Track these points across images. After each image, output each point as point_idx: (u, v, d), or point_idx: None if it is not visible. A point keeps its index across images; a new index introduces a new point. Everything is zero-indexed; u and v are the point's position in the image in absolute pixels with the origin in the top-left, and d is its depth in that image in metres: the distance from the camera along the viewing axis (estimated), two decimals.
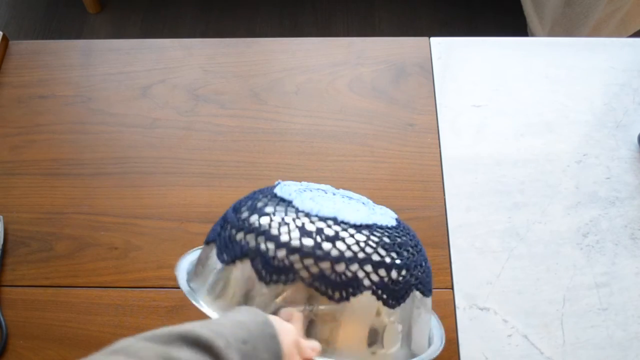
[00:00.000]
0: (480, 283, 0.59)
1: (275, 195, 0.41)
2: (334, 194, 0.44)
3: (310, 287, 0.36)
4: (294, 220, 0.38)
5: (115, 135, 0.69)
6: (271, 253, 0.37)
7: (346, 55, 0.74)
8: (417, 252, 0.41)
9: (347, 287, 0.36)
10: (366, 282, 0.37)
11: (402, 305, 0.38)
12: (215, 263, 0.40)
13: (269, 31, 1.66)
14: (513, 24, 1.64)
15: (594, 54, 0.74)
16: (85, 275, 0.60)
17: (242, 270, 0.38)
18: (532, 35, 1.47)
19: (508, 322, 0.57)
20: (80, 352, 0.56)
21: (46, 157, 0.67)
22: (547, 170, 0.66)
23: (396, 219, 0.43)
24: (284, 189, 0.42)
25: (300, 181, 0.65)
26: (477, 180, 0.65)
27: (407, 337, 0.39)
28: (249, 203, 0.41)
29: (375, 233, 0.39)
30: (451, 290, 0.59)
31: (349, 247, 0.37)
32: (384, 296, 0.37)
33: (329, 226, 0.38)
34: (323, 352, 0.36)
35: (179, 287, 0.41)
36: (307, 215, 0.39)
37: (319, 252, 0.36)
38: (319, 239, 0.37)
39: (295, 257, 0.36)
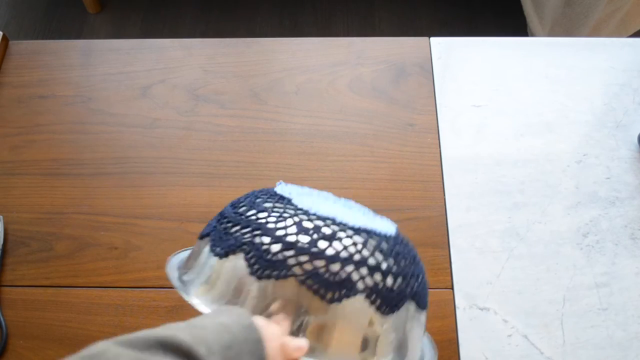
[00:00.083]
0: (480, 283, 0.59)
1: (275, 193, 0.41)
2: (335, 201, 0.44)
3: (303, 284, 0.35)
4: (291, 216, 0.37)
5: (115, 135, 0.69)
6: (265, 247, 0.36)
7: (346, 55, 0.74)
8: (414, 264, 0.40)
9: (340, 288, 0.35)
10: (360, 285, 0.36)
11: (396, 313, 0.37)
12: (208, 256, 0.39)
13: (269, 31, 1.66)
14: (513, 24, 1.64)
15: (594, 54, 0.74)
16: (85, 275, 0.60)
17: (235, 263, 0.37)
18: (532, 35, 1.47)
19: (508, 322, 0.57)
20: None
21: (46, 157, 0.67)
22: (547, 170, 0.66)
23: (396, 230, 0.42)
24: (284, 189, 0.42)
25: (300, 181, 0.65)
26: (477, 180, 0.65)
27: (400, 350, 0.38)
28: (248, 199, 0.41)
29: (373, 238, 0.38)
30: (451, 290, 0.59)
31: (345, 248, 0.36)
32: (378, 301, 0.36)
33: (327, 225, 0.37)
34: (312, 353, 0.35)
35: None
36: (306, 213, 0.38)
37: (314, 250, 0.35)
38: (315, 236, 0.36)
39: (289, 253, 0.35)
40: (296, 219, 0.37)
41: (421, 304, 0.40)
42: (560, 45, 0.75)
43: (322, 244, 0.36)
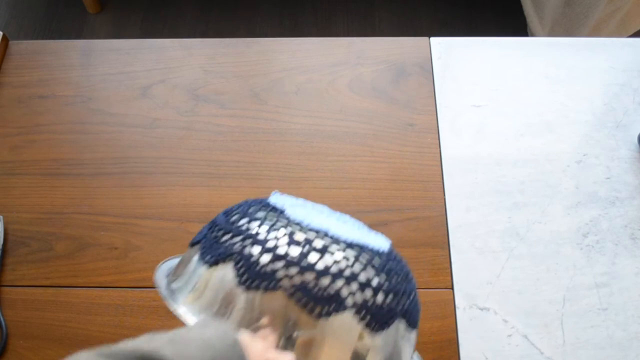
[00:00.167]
0: (480, 283, 0.59)
1: (268, 204, 0.40)
2: (329, 214, 0.43)
3: (291, 298, 0.34)
4: (283, 227, 0.37)
5: (115, 135, 0.69)
6: (255, 257, 0.35)
7: (346, 55, 0.74)
8: (407, 281, 0.39)
9: (329, 303, 0.34)
10: (350, 301, 0.35)
11: (385, 331, 0.36)
12: (197, 264, 0.38)
13: (269, 31, 1.66)
14: (513, 24, 1.64)
15: (594, 54, 0.74)
16: (85, 275, 0.60)
17: (224, 272, 0.36)
18: (532, 35, 1.47)
19: (508, 322, 0.57)
20: None
21: (46, 157, 0.67)
22: (547, 170, 0.66)
23: (390, 246, 0.41)
24: (278, 199, 0.41)
25: (300, 181, 0.65)
26: (477, 180, 0.65)
27: None
28: (241, 208, 0.40)
29: (366, 253, 0.37)
30: (451, 290, 0.59)
31: (336, 262, 0.35)
32: (367, 318, 0.35)
33: (319, 238, 0.36)
34: None
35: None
36: (298, 224, 0.37)
37: (304, 263, 0.35)
38: (306, 249, 0.35)
39: (279, 265, 0.35)
40: (288, 230, 0.36)
41: (412, 323, 0.39)
42: (560, 45, 0.75)
43: (312, 257, 0.35)
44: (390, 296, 0.37)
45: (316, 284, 0.34)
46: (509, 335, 0.57)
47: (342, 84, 0.72)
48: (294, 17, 1.69)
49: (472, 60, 0.74)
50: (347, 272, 0.35)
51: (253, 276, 0.35)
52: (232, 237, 0.37)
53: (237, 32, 1.65)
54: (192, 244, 0.41)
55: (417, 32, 1.64)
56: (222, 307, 0.35)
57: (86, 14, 1.70)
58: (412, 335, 0.40)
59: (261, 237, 0.36)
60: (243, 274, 0.35)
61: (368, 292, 0.35)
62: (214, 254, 0.37)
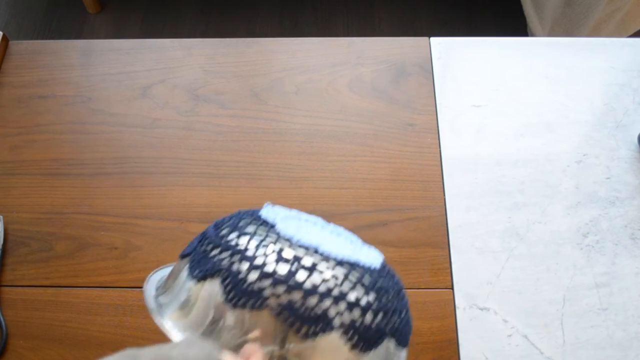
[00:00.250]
0: (480, 283, 0.59)
1: (259, 217, 0.40)
2: (322, 227, 0.42)
3: (277, 317, 0.33)
4: (273, 243, 0.36)
5: (115, 135, 0.69)
6: (242, 275, 0.34)
7: (346, 55, 0.75)
8: (398, 299, 0.38)
9: (315, 323, 0.34)
10: (337, 321, 0.34)
11: (373, 351, 0.36)
12: (186, 278, 0.38)
13: (269, 31, 1.66)
14: (513, 24, 1.65)
15: (594, 54, 0.74)
16: (85, 275, 0.60)
17: (211, 288, 0.35)
18: (532, 35, 1.47)
19: (508, 322, 0.57)
20: (80, 352, 0.56)
21: (46, 157, 0.67)
22: (547, 170, 0.66)
23: (382, 262, 0.40)
24: (270, 212, 0.41)
25: (300, 181, 0.65)
26: (477, 180, 0.65)
27: None
28: (232, 221, 0.40)
29: (355, 271, 0.36)
30: (451, 290, 0.59)
31: (324, 281, 0.35)
32: (354, 339, 0.35)
33: (308, 256, 0.36)
34: None
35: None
36: (288, 241, 0.36)
37: (292, 281, 0.34)
38: (294, 267, 0.35)
39: (266, 283, 0.34)
40: (277, 247, 0.36)
41: (402, 342, 0.39)
42: (560, 45, 0.75)
43: (300, 276, 0.34)
44: (380, 315, 0.36)
45: (303, 304, 0.34)
46: (509, 335, 0.57)
47: (342, 84, 0.72)
48: (294, 17, 1.69)
49: (472, 60, 0.74)
50: (335, 292, 0.35)
51: (240, 294, 0.34)
52: (220, 252, 0.36)
53: (237, 32, 1.65)
54: (182, 256, 0.41)
55: (417, 32, 1.64)
56: (209, 325, 0.35)
57: (86, 14, 1.70)
58: (403, 354, 0.39)
59: (249, 253, 0.35)
60: (230, 291, 0.34)
61: (356, 312, 0.35)
62: (202, 269, 0.37)
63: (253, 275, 0.34)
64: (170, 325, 0.36)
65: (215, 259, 0.36)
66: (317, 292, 0.34)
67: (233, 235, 0.37)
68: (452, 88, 0.72)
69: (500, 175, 0.66)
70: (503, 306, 0.58)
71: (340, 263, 0.36)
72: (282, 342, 0.34)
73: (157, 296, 0.40)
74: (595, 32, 1.31)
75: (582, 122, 0.69)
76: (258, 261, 0.35)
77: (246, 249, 0.36)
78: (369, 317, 0.35)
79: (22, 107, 0.71)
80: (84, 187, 0.65)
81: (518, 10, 1.57)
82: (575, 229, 0.62)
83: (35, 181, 0.66)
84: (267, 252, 0.35)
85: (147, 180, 0.66)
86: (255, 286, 0.34)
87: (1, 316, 0.58)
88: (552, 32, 1.36)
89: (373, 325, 0.36)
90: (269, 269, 0.34)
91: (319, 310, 0.34)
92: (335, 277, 0.35)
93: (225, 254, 0.36)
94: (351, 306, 0.35)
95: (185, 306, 0.37)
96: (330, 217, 0.63)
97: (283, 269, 0.34)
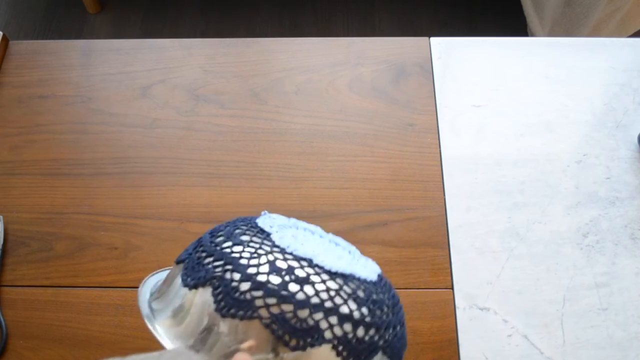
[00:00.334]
0: (480, 283, 0.59)
1: (256, 225, 0.39)
2: (320, 237, 0.42)
3: (267, 328, 0.33)
4: (267, 254, 0.36)
5: (115, 135, 0.69)
6: (234, 284, 0.34)
7: (346, 55, 0.75)
8: (393, 313, 0.38)
9: (305, 336, 0.33)
10: (328, 335, 0.34)
11: None
12: (179, 285, 0.37)
13: (269, 31, 1.66)
14: (513, 24, 1.65)
15: (594, 54, 0.74)
16: (85, 275, 0.60)
17: (203, 297, 0.35)
18: (532, 35, 1.47)
19: (508, 322, 0.57)
20: (80, 352, 0.56)
21: (46, 157, 0.67)
22: (547, 170, 0.66)
23: (378, 275, 0.40)
24: (266, 220, 0.40)
25: (300, 181, 0.65)
26: (477, 180, 0.65)
27: None
28: (227, 229, 0.39)
29: (350, 284, 0.36)
30: (451, 290, 0.59)
31: (317, 293, 0.34)
32: (345, 353, 0.34)
33: (302, 267, 0.35)
34: None
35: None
36: (282, 251, 0.36)
37: (284, 292, 0.34)
38: (287, 278, 0.34)
39: (257, 293, 0.33)
40: (270, 257, 0.35)
41: (394, 357, 0.38)
42: (560, 45, 0.75)
43: (293, 287, 0.34)
44: (372, 330, 0.36)
45: (294, 315, 0.33)
46: (509, 335, 0.57)
47: (342, 84, 0.72)
48: (294, 17, 1.69)
49: (472, 60, 0.74)
50: (327, 304, 0.34)
51: (230, 303, 0.34)
52: (214, 261, 0.36)
53: (237, 32, 1.65)
54: (178, 262, 0.41)
55: (417, 32, 1.64)
56: (201, 334, 0.35)
57: (86, 14, 1.70)
58: None
59: (243, 262, 0.35)
60: (221, 300, 0.34)
61: (348, 326, 0.34)
62: (195, 277, 0.36)
63: (245, 285, 0.34)
64: (162, 332, 0.35)
65: (209, 267, 0.36)
66: (309, 304, 0.34)
67: (227, 244, 0.37)
68: (452, 88, 0.72)
69: (500, 175, 0.66)
70: (503, 306, 0.58)
71: (334, 275, 0.36)
72: (275, 352, 0.33)
73: (150, 301, 0.39)
74: (595, 32, 1.31)
75: (582, 122, 0.69)
76: (251, 271, 0.35)
77: (239, 258, 0.36)
78: (360, 331, 0.35)
79: (22, 107, 0.71)
80: (84, 187, 0.65)
81: (518, 10, 1.57)
82: (575, 229, 0.62)
83: (35, 181, 0.66)
84: (261, 262, 0.35)
85: (147, 180, 0.66)
86: (247, 296, 0.34)
87: (1, 316, 0.58)
88: (552, 32, 1.36)
89: (366, 339, 0.35)
90: (261, 279, 0.34)
91: (310, 323, 0.33)
92: (328, 289, 0.35)
93: (219, 263, 0.36)
94: (343, 319, 0.34)
95: (178, 313, 0.36)
96: (330, 217, 0.63)
97: (276, 280, 0.34)
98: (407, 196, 0.64)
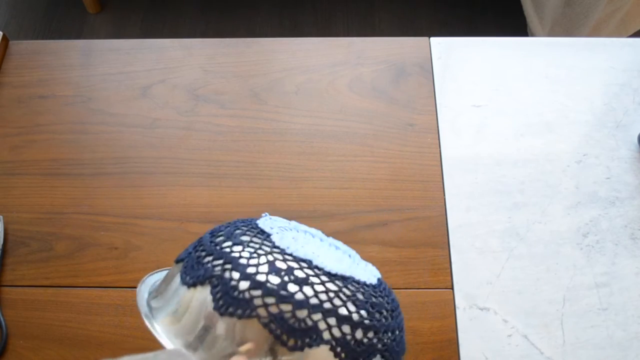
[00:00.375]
0: (480, 283, 0.59)
1: (256, 226, 0.39)
2: (321, 240, 0.42)
3: (265, 327, 0.33)
4: (266, 254, 0.36)
5: (115, 135, 0.69)
6: (233, 283, 0.34)
7: (346, 55, 0.75)
8: (392, 317, 0.38)
9: (304, 336, 0.33)
10: (326, 336, 0.34)
11: None
12: (178, 284, 0.37)
13: (269, 31, 1.66)
14: (513, 24, 1.65)
15: (594, 54, 0.74)
16: (85, 275, 0.60)
17: (202, 295, 0.35)
18: (532, 35, 1.47)
19: (508, 322, 0.57)
20: (80, 352, 0.56)
21: (46, 157, 0.67)
22: (547, 170, 0.66)
23: (378, 279, 0.40)
24: (267, 222, 0.40)
25: (300, 181, 0.65)
26: (477, 180, 0.65)
27: None
28: (228, 229, 0.39)
29: (349, 286, 0.36)
30: (451, 290, 0.59)
31: (316, 294, 0.34)
32: (343, 355, 0.34)
33: (301, 268, 0.35)
34: None
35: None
36: (282, 252, 0.36)
37: (282, 292, 0.34)
38: (286, 278, 0.34)
39: (256, 293, 0.33)
40: (270, 257, 0.36)
41: None
42: (560, 45, 0.75)
43: (292, 288, 0.34)
44: (371, 333, 0.35)
45: (293, 315, 0.33)
46: (509, 335, 0.57)
47: (342, 84, 0.72)
48: (294, 17, 1.69)
49: (472, 60, 0.74)
50: (326, 305, 0.34)
51: (229, 302, 0.34)
52: (213, 260, 0.36)
53: (237, 32, 1.65)
54: (177, 261, 0.41)
55: (417, 32, 1.64)
56: (200, 332, 0.34)
57: (86, 14, 1.70)
58: None
59: (242, 262, 0.35)
60: (220, 298, 0.34)
61: (346, 328, 0.34)
62: (194, 276, 0.36)
63: (244, 284, 0.34)
64: (161, 330, 0.35)
65: (208, 265, 0.36)
66: (308, 304, 0.34)
67: (227, 244, 0.37)
68: (452, 88, 0.72)
69: (500, 175, 0.66)
70: (503, 306, 0.58)
71: (334, 277, 0.36)
72: (273, 355, 0.33)
73: (149, 300, 0.39)
74: (595, 32, 1.31)
75: (582, 122, 0.69)
76: (250, 270, 0.35)
77: (239, 258, 0.36)
78: (359, 333, 0.35)
79: (22, 107, 0.71)
80: (84, 187, 0.65)
81: (518, 10, 1.57)
82: (575, 229, 0.62)
83: (35, 181, 0.66)
84: (260, 262, 0.35)
85: (147, 180, 0.66)
86: (246, 295, 0.34)
87: (1, 316, 0.58)
88: (552, 32, 1.36)
89: (364, 342, 0.35)
90: (260, 278, 0.34)
91: (308, 323, 0.33)
92: (327, 291, 0.35)
93: (218, 262, 0.36)
94: (342, 321, 0.34)
95: (177, 312, 0.36)
96: (330, 217, 0.63)
97: (275, 280, 0.34)
98: (407, 196, 0.64)
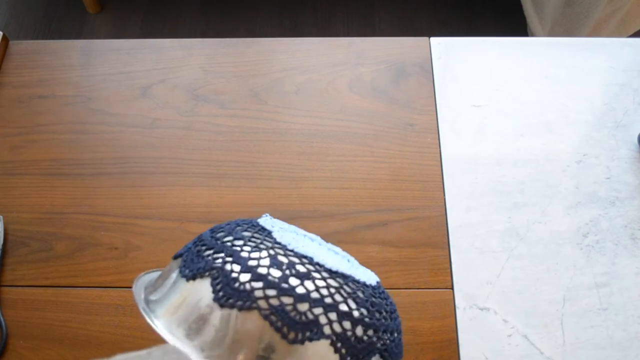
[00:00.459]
0: (480, 283, 0.59)
1: (257, 224, 0.40)
2: (319, 244, 0.42)
3: (266, 319, 0.33)
4: (267, 249, 0.36)
5: (115, 135, 0.69)
6: (234, 275, 0.34)
7: (346, 55, 0.75)
8: (391, 319, 0.38)
9: (304, 330, 0.33)
10: (327, 330, 0.34)
11: None
12: (176, 277, 0.37)
13: (269, 31, 1.66)
14: (513, 24, 1.65)
15: (594, 54, 0.74)
16: (85, 275, 0.60)
17: (201, 287, 0.35)
18: (532, 35, 1.47)
19: (508, 322, 0.57)
20: (80, 352, 0.56)
21: (46, 157, 0.67)
22: (547, 170, 0.66)
23: (377, 282, 0.40)
24: (267, 221, 0.41)
25: (300, 181, 0.65)
26: (477, 180, 0.65)
27: None
28: (228, 226, 0.39)
29: (350, 284, 0.36)
30: (451, 290, 0.59)
31: (317, 289, 0.34)
32: (343, 350, 0.34)
33: (302, 264, 0.35)
34: None
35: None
36: (283, 248, 0.36)
37: (284, 285, 0.34)
38: (288, 272, 0.34)
39: (257, 285, 0.33)
40: (271, 252, 0.36)
41: None
42: (560, 45, 0.75)
43: (293, 281, 0.34)
44: (371, 331, 0.35)
45: (294, 308, 0.33)
46: (509, 335, 0.57)
47: (342, 84, 0.72)
48: (294, 17, 1.69)
49: (472, 60, 0.74)
50: (327, 300, 0.34)
51: (229, 293, 0.34)
52: (214, 253, 0.36)
53: (237, 32, 1.65)
54: (175, 257, 0.41)
55: (417, 32, 1.64)
56: (196, 324, 0.34)
57: (86, 14, 1.70)
58: None
59: (243, 255, 0.35)
60: (220, 290, 0.34)
61: (347, 324, 0.34)
62: (193, 268, 0.36)
63: (245, 277, 0.34)
64: (159, 324, 0.35)
65: (208, 258, 0.36)
66: (309, 298, 0.34)
67: (228, 239, 0.37)
68: (452, 88, 0.72)
69: (500, 175, 0.66)
70: (503, 306, 0.58)
71: (335, 274, 0.36)
72: (267, 348, 0.33)
73: (146, 295, 0.39)
74: (595, 32, 1.31)
75: (582, 122, 0.69)
76: (251, 263, 0.35)
77: (240, 251, 0.36)
78: (359, 330, 0.35)
79: (22, 107, 0.71)
80: (84, 187, 0.65)
81: (518, 10, 1.57)
82: (575, 229, 0.62)
83: (35, 181, 0.66)
84: (262, 256, 0.35)
85: (147, 180, 0.66)
86: (247, 287, 0.34)
87: (1, 316, 0.58)
88: (552, 32, 1.36)
89: (364, 339, 0.35)
90: (261, 271, 0.34)
91: (309, 317, 0.33)
92: (328, 286, 0.35)
93: (219, 255, 0.36)
94: (342, 317, 0.34)
95: (176, 304, 0.36)
96: (330, 217, 0.63)
97: (276, 273, 0.34)
98: (407, 196, 0.64)
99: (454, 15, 1.68)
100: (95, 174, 0.66)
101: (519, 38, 0.76)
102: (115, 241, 0.62)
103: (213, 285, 0.34)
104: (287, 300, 0.33)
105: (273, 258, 0.35)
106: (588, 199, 0.64)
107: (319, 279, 0.35)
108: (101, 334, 0.57)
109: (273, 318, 0.33)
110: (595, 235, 0.62)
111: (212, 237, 0.38)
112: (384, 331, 0.37)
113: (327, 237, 0.62)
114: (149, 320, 0.35)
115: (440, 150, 0.67)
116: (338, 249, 0.43)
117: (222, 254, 0.36)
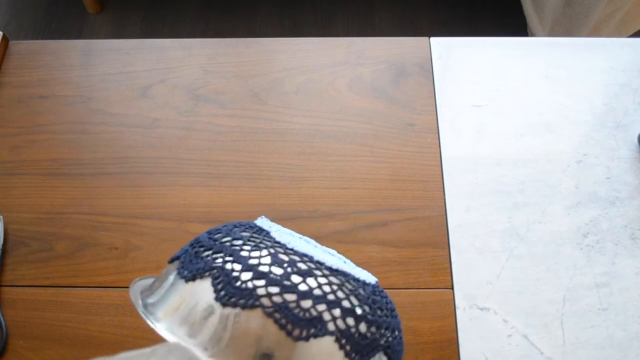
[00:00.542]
0: (480, 283, 0.59)
1: (254, 225, 0.40)
2: (315, 246, 0.42)
3: (270, 317, 0.33)
4: (267, 248, 0.36)
5: (115, 135, 0.69)
6: (235, 274, 0.34)
7: (346, 55, 0.75)
8: (392, 316, 0.38)
9: (309, 326, 0.33)
10: (331, 327, 0.33)
11: None
12: (175, 279, 0.37)
13: (269, 31, 1.66)
14: (513, 24, 1.65)
15: (594, 54, 0.74)
16: (85, 275, 0.60)
17: (201, 287, 0.35)
18: (532, 35, 1.47)
19: (508, 322, 0.57)
20: (80, 352, 0.56)
21: (46, 157, 0.67)
22: (547, 170, 0.66)
23: (376, 281, 0.40)
24: (265, 222, 0.41)
25: (300, 181, 0.65)
26: (477, 180, 0.65)
27: None
28: (226, 228, 0.39)
29: (351, 281, 0.36)
30: (451, 290, 0.59)
31: (320, 286, 0.34)
32: (347, 347, 0.34)
33: (303, 262, 0.35)
34: None
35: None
36: (283, 246, 0.36)
37: (286, 282, 0.33)
38: (289, 270, 0.34)
39: (260, 283, 0.33)
40: (272, 250, 0.36)
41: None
42: (560, 45, 0.75)
43: (295, 279, 0.34)
44: (374, 328, 0.36)
45: (297, 305, 0.33)
46: (509, 335, 0.57)
47: (342, 84, 0.72)
48: (294, 17, 1.69)
49: (472, 60, 0.74)
50: (330, 297, 0.34)
51: (231, 292, 0.33)
52: (213, 253, 0.36)
53: (237, 32, 1.65)
54: (172, 260, 0.40)
55: (417, 32, 1.64)
56: (197, 324, 0.34)
57: (86, 14, 1.70)
58: None
59: (244, 254, 0.35)
60: (221, 289, 0.34)
61: (350, 320, 0.34)
62: (192, 269, 0.36)
63: (246, 275, 0.34)
64: (159, 326, 0.35)
65: (208, 259, 0.36)
66: (312, 295, 0.34)
67: (227, 239, 0.37)
68: (452, 88, 0.72)
69: (500, 175, 0.66)
70: (503, 306, 0.58)
71: (335, 272, 0.36)
72: (270, 346, 0.33)
73: (143, 299, 0.39)
74: (595, 32, 1.31)
75: (582, 122, 0.69)
76: (252, 261, 0.34)
77: (240, 251, 0.35)
78: (363, 326, 0.35)
79: (22, 107, 0.71)
80: (84, 187, 0.65)
81: (518, 10, 1.57)
82: (575, 229, 0.62)
83: (35, 181, 0.66)
84: (262, 255, 0.35)
85: (147, 180, 0.66)
86: (249, 285, 0.33)
87: (1, 316, 0.58)
88: (552, 32, 1.36)
89: (368, 336, 0.35)
90: (263, 269, 0.34)
91: (313, 313, 0.33)
92: (330, 283, 0.35)
93: (218, 255, 0.36)
94: (346, 313, 0.34)
95: (174, 306, 0.36)
96: (330, 217, 0.63)
97: (278, 271, 0.34)
98: (407, 196, 0.64)
99: (454, 15, 1.68)
100: (95, 174, 0.66)
101: (519, 38, 0.76)
102: (115, 241, 0.62)
103: (214, 285, 0.34)
104: (290, 297, 0.33)
105: (274, 256, 0.35)
106: (588, 199, 0.64)
107: (321, 276, 0.35)
108: (101, 334, 0.57)
109: (277, 315, 0.33)
110: (595, 235, 0.62)
111: (209, 238, 0.38)
112: (386, 328, 0.37)
113: (327, 237, 0.62)
114: (149, 322, 0.35)
115: (440, 150, 0.67)
116: (334, 252, 0.43)
117: (222, 254, 0.36)
